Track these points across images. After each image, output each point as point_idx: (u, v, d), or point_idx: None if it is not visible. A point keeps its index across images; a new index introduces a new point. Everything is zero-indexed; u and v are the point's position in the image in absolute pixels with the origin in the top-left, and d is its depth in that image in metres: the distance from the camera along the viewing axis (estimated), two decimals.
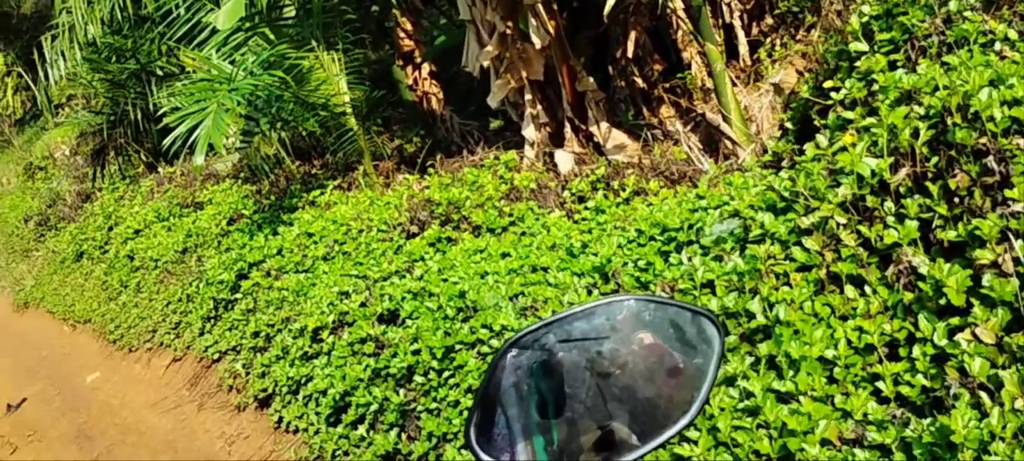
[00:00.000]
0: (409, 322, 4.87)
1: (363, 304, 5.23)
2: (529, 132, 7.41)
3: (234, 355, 6.19)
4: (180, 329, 7.17)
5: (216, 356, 6.39)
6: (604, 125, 7.01)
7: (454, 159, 8.09)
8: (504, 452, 1.07)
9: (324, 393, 4.85)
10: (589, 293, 4.06)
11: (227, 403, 5.94)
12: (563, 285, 4.22)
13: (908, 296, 2.67)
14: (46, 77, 12.23)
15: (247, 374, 5.90)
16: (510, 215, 5.99)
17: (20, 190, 16.80)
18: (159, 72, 11.88)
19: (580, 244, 4.75)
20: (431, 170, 7.49)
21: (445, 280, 5.08)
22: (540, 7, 6.24)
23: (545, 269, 4.59)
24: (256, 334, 5.96)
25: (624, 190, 5.71)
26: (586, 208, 5.64)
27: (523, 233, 5.48)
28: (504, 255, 5.26)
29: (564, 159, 7.06)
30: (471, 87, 9.88)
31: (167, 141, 6.68)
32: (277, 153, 10.05)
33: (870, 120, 3.25)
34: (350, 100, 8.01)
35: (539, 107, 7.21)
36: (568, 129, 7.20)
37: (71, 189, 13.51)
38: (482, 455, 1.03)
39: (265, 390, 5.50)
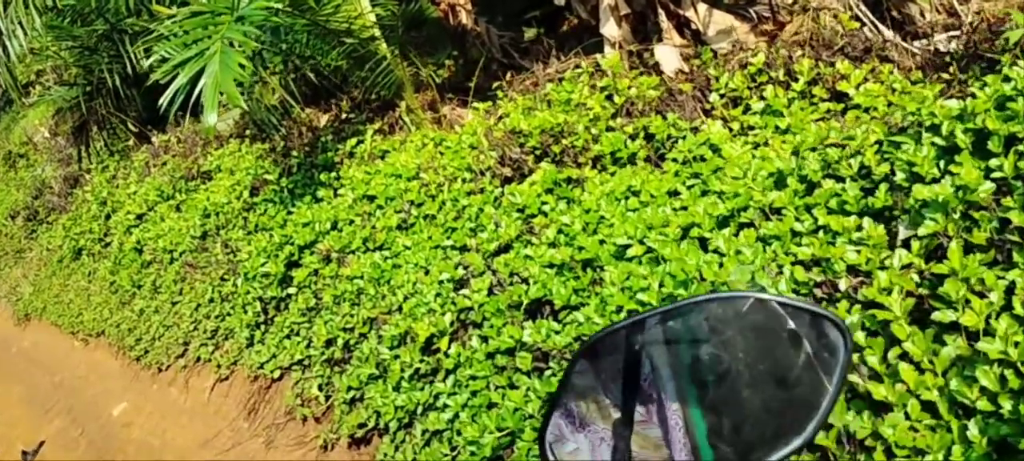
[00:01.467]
0: (570, 315, 3.20)
1: (491, 291, 3.55)
2: (609, 28, 5.63)
3: (301, 372, 4.51)
4: (219, 339, 5.48)
5: (276, 374, 4.71)
6: (702, 6, 5.24)
7: (507, 79, 6.36)
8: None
9: (465, 436, 3.19)
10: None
11: (305, 438, 4.30)
12: (847, 230, 2.55)
13: None
14: (6, 53, 10.43)
15: (327, 398, 4.23)
16: (645, 136, 4.27)
17: (2, 182, 14.86)
18: (132, 30, 9.99)
19: (794, 165, 3.06)
20: (498, 94, 5.72)
21: (603, 243, 3.40)
22: None
23: (778, 210, 2.89)
24: (330, 342, 4.28)
25: (797, 80, 3.99)
26: (752, 114, 3.92)
27: (685, 161, 3.76)
28: (672, 193, 3.57)
29: (668, 56, 5.31)
30: None
31: (163, 99, 4.86)
32: (283, 100, 8.28)
33: None
34: (377, 20, 6.19)
35: None
36: (663, 17, 5.40)
37: (57, 174, 11.63)
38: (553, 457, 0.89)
39: (363, 425, 3.83)
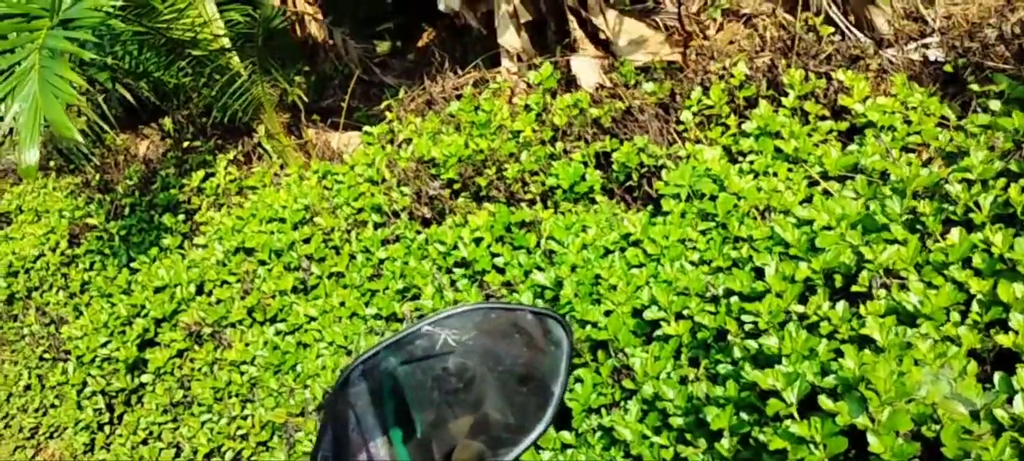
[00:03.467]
0: (588, 421, 2.27)
1: None
2: (508, 38, 4.77)
3: None
4: (40, 440, 4.06)
5: None
6: (611, 14, 4.51)
7: (377, 101, 5.39)
8: None
9: None
10: None
11: None
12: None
13: None
14: None
15: None
16: (597, 165, 3.41)
17: None
18: None
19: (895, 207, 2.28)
20: (387, 115, 4.67)
21: (609, 314, 2.49)
22: None
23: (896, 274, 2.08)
24: (214, 454, 3.07)
25: (786, 95, 3.27)
26: (742, 136, 3.16)
27: (687, 197, 2.90)
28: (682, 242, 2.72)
29: (586, 70, 4.50)
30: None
31: None
32: (93, 124, 6.77)
33: None
34: (229, 27, 4.99)
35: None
36: (574, 25, 4.59)
37: None
38: None
39: None
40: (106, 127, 6.60)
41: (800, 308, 2.13)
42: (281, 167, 5.04)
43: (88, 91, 6.78)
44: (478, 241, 3.23)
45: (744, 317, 2.18)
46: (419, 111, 4.78)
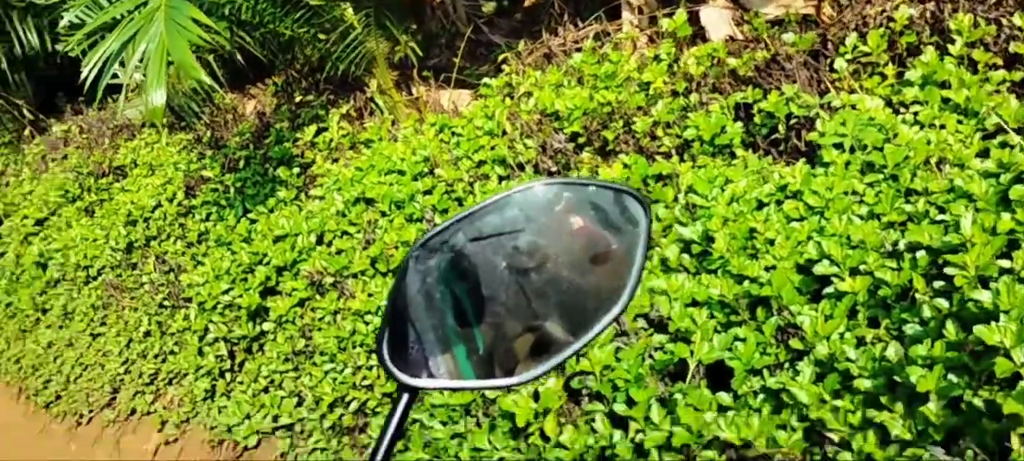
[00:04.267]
0: (749, 383, 2.06)
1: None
2: None
3: (292, 441, 3.18)
4: (160, 385, 4.06)
5: (253, 441, 3.35)
6: None
7: (483, 61, 5.25)
8: (421, 368, 0.86)
9: None
10: None
11: None
12: None
13: None
14: None
15: None
16: (744, 117, 3.17)
17: None
18: (18, 3, 8.34)
19: None
20: (504, 69, 4.51)
21: (771, 269, 2.26)
22: None
23: None
24: (341, 403, 2.97)
25: (953, 42, 2.95)
26: (906, 85, 2.87)
27: (850, 148, 2.64)
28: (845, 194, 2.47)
29: (716, 21, 4.25)
30: None
31: (87, 72, 3.47)
32: (201, 84, 6.79)
33: None
34: None
35: None
36: None
37: None
38: (396, 372, 0.84)
39: None
40: (215, 86, 6.65)
41: (1005, 262, 1.87)
42: (393, 123, 4.93)
43: (198, 48, 6.83)
44: None
45: (940, 272, 1.93)
46: (537, 65, 4.60)
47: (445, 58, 5.78)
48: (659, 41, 4.20)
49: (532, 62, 4.66)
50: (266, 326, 3.48)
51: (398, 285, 0.89)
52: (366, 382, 2.89)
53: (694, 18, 4.12)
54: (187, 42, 3.22)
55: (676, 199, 2.96)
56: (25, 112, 8.30)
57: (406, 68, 5.43)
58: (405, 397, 0.84)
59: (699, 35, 4.14)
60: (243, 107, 7.28)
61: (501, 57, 4.61)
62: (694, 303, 2.35)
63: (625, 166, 3.12)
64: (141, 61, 3.23)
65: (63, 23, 4.30)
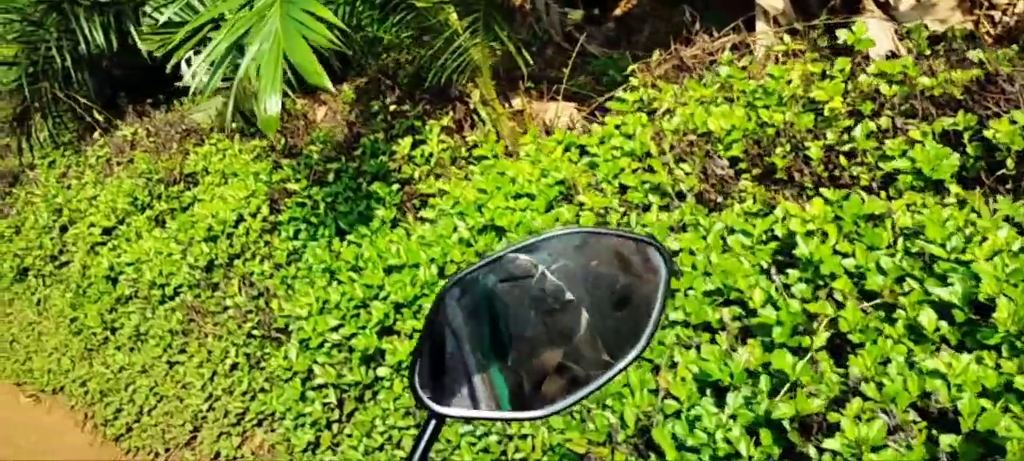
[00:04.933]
0: None
1: None
2: None
3: None
4: (246, 427, 3.58)
5: None
6: None
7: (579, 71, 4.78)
8: (450, 397, 0.92)
9: None
10: None
11: None
12: None
13: None
14: None
15: None
16: (983, 144, 2.61)
17: None
18: (85, 0, 8.04)
19: None
20: (632, 82, 4.00)
21: None
22: None
23: None
24: None
25: None
26: None
27: None
28: None
29: (879, 35, 3.73)
30: None
31: (191, 76, 3.06)
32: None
33: None
34: None
35: None
36: None
37: None
38: (426, 400, 0.89)
39: None
40: (288, 91, 6.22)
41: None
42: (497, 137, 4.43)
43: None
44: (813, 234, 2.50)
45: None
46: (668, 77, 4.08)
47: (537, 68, 5.28)
48: (803, 55, 3.66)
49: (662, 74, 4.14)
50: (381, 371, 2.98)
51: (432, 318, 0.93)
52: (519, 456, 2.37)
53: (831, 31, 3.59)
54: (305, 41, 2.75)
55: (892, 244, 2.42)
56: (96, 114, 7.94)
57: (501, 78, 4.95)
58: (433, 423, 0.88)
59: (844, 51, 3.59)
60: (313, 113, 6.89)
61: (629, 68, 4.08)
62: (984, 392, 1.80)
63: (827, 202, 2.58)
64: (254, 60, 2.75)
65: (149, 22, 3.86)
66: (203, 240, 4.58)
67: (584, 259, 1.00)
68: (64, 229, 6.28)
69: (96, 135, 7.85)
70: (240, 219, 4.60)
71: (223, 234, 4.53)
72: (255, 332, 3.72)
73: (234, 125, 6.67)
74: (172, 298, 4.46)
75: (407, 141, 4.55)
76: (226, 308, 4.05)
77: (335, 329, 3.10)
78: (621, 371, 0.94)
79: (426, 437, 0.88)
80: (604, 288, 1.01)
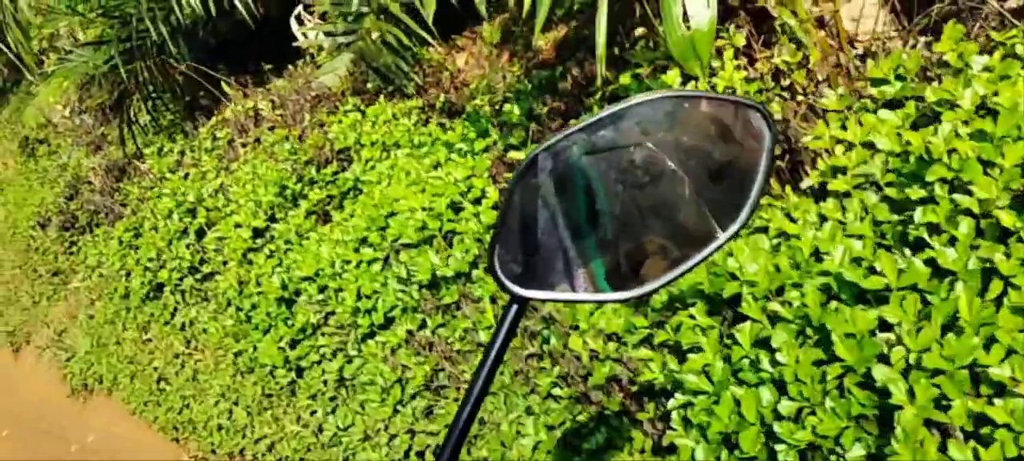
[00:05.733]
0: None
1: None
2: None
3: None
4: None
5: None
6: None
7: None
8: (532, 280, 0.84)
9: None
10: None
11: None
12: None
13: None
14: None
15: None
16: None
17: (22, 175, 11.52)
18: None
19: None
20: None
21: None
22: None
23: None
24: None
25: None
26: None
27: None
28: None
29: None
30: None
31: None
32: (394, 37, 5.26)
33: None
34: None
35: None
36: None
37: (96, 163, 8.34)
38: (508, 283, 0.82)
39: None
40: (427, 37, 4.96)
41: None
42: (803, 62, 2.98)
43: None
44: None
45: None
46: None
47: None
48: None
49: None
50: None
51: (510, 195, 0.85)
52: None
53: None
54: None
55: None
56: (224, 86, 6.74)
57: None
58: (515, 308, 0.82)
59: None
60: (452, 62, 5.61)
61: None
62: None
63: None
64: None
65: None
66: (400, 242, 3.28)
67: (678, 127, 0.88)
68: (201, 232, 5.09)
69: (213, 116, 6.63)
70: (458, 208, 3.28)
71: (439, 234, 3.21)
72: (558, 391, 2.39)
73: (369, 85, 5.45)
74: (384, 328, 3.18)
75: (673, 73, 3.15)
76: (480, 345, 2.75)
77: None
78: (719, 247, 0.85)
79: (508, 321, 0.82)
80: (700, 158, 0.90)
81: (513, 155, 3.44)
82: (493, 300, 2.81)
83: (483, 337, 2.72)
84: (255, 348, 3.87)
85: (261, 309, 3.91)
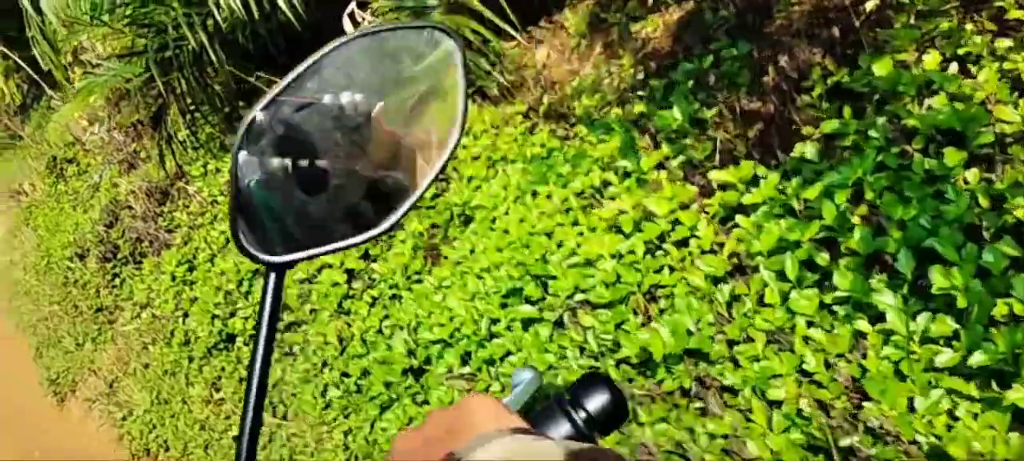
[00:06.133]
0: None
1: None
2: None
3: None
4: None
5: None
6: None
7: None
8: (280, 244, 0.83)
9: None
10: None
11: None
12: None
13: None
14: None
15: None
16: None
17: (52, 197, 10.78)
18: None
19: None
20: None
21: None
22: None
23: None
24: None
25: None
26: None
27: None
28: None
29: None
30: None
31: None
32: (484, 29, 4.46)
33: None
34: None
35: None
36: None
37: (135, 185, 7.56)
38: (259, 254, 0.81)
39: None
40: (509, 29, 4.25)
41: None
42: None
43: None
44: None
45: None
46: None
47: None
48: None
49: None
50: None
51: (234, 169, 0.82)
52: None
53: None
54: None
55: None
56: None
57: None
58: (273, 276, 0.82)
59: None
60: (530, 58, 4.88)
61: None
62: None
63: None
64: None
65: None
66: (578, 298, 2.44)
67: (375, 63, 0.90)
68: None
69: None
70: (652, 250, 2.43)
71: (639, 288, 2.37)
72: None
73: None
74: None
75: (933, 56, 2.32)
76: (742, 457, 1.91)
77: None
78: (442, 168, 0.89)
79: (271, 290, 0.80)
80: (402, 88, 0.92)
81: (717, 176, 2.59)
82: (759, 392, 1.96)
83: (752, 450, 1.87)
84: (372, 427, 3.05)
85: (376, 378, 3.08)
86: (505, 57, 4.85)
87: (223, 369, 4.33)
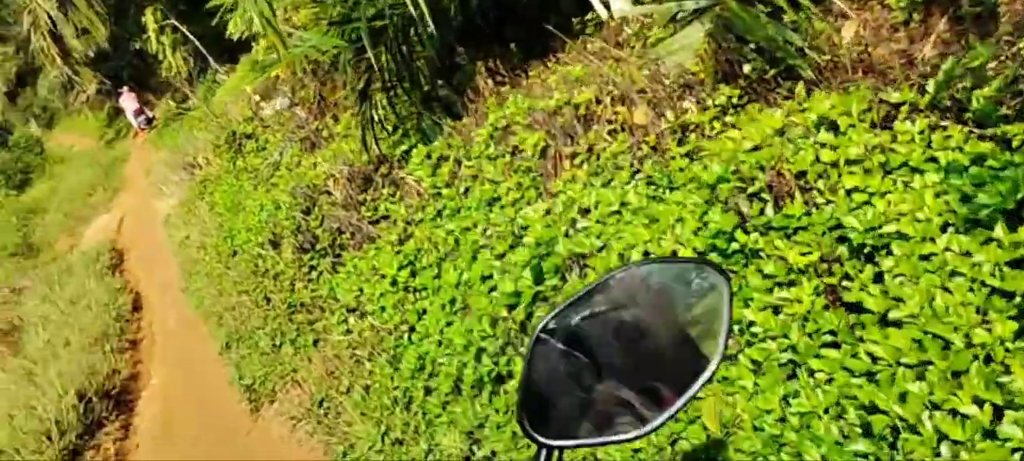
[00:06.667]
0: None
1: None
2: None
3: None
4: None
5: None
6: None
7: None
8: (556, 429, 1.00)
9: None
10: None
11: None
12: None
13: None
14: None
15: None
16: None
17: (230, 173, 10.26)
18: None
19: None
20: None
21: None
22: None
23: None
24: None
25: None
26: None
27: None
28: None
29: None
30: None
31: None
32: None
33: None
34: None
35: None
36: None
37: (336, 169, 6.74)
38: (537, 436, 0.98)
39: None
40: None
41: None
42: None
43: None
44: None
45: None
46: None
47: None
48: None
49: None
50: None
51: (529, 362, 1.00)
52: None
53: None
54: None
55: None
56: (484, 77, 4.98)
57: None
58: (543, 453, 0.96)
59: None
60: (838, 37, 3.58)
61: None
62: None
63: None
64: None
65: None
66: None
67: (653, 288, 1.05)
68: (556, 283, 3.23)
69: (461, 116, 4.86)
70: None
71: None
72: None
73: (747, 68, 3.61)
74: None
75: None
76: None
77: None
78: (703, 385, 0.97)
79: None
80: (675, 313, 1.06)
81: None
82: None
83: None
84: None
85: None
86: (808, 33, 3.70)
87: (495, 411, 3.33)
